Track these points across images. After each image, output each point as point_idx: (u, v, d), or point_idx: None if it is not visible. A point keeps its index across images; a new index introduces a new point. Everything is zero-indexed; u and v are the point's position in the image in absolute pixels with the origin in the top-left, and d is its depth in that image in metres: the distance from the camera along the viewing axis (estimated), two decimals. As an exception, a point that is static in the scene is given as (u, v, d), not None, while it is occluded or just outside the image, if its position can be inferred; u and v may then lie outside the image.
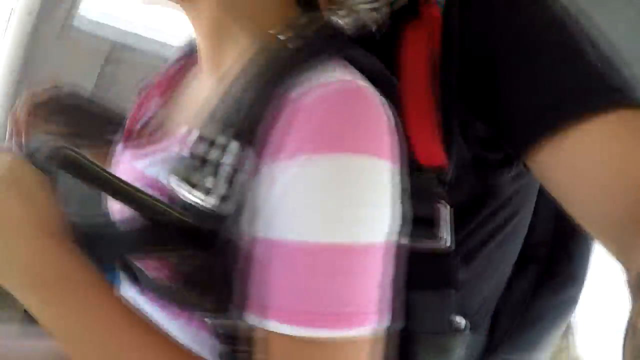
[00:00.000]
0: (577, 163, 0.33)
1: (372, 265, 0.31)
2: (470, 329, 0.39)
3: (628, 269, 0.30)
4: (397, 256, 0.33)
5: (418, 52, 0.37)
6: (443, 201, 0.36)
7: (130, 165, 0.42)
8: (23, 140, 0.56)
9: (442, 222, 0.36)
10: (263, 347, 0.31)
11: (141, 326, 0.32)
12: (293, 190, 0.30)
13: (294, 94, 0.30)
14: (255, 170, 0.30)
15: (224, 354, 0.35)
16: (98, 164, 0.32)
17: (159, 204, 0.31)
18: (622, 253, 0.32)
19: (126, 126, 0.48)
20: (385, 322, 0.32)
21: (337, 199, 0.30)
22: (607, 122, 0.32)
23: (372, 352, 0.31)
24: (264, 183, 0.30)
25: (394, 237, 0.32)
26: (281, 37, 0.33)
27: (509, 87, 0.36)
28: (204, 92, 0.40)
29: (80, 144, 0.57)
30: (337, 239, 0.30)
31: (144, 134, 0.47)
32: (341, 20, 0.38)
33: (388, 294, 0.32)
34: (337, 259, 0.30)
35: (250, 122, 0.30)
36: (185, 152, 0.33)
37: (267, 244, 0.31)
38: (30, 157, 0.32)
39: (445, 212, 0.36)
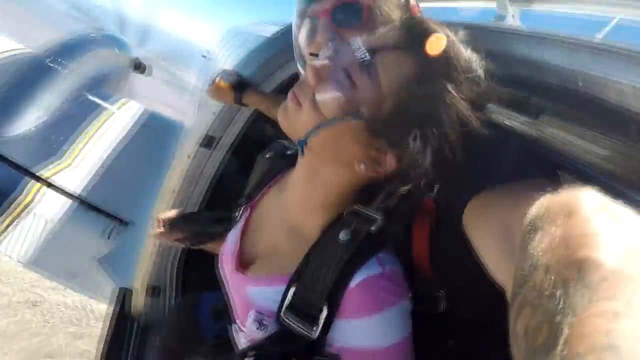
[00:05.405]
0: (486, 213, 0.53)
1: (407, 348, 0.63)
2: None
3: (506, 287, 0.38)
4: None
5: (421, 235, 0.67)
6: (441, 292, 0.69)
7: (243, 290, 0.72)
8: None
9: (440, 300, 0.69)
10: None
11: None
12: (363, 327, 0.61)
13: (353, 284, 0.61)
14: (332, 320, 0.62)
15: None
16: None
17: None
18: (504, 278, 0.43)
19: (234, 250, 0.78)
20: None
21: (384, 329, 0.62)
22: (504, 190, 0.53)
23: None
24: (338, 325, 0.62)
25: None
26: (343, 239, 0.63)
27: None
28: (279, 233, 0.73)
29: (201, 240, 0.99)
30: (387, 343, 0.61)
31: (246, 260, 0.76)
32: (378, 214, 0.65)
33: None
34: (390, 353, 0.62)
35: (335, 296, 0.61)
36: (288, 301, 0.64)
37: (352, 350, 0.62)
38: None
39: (442, 296, 0.69)
